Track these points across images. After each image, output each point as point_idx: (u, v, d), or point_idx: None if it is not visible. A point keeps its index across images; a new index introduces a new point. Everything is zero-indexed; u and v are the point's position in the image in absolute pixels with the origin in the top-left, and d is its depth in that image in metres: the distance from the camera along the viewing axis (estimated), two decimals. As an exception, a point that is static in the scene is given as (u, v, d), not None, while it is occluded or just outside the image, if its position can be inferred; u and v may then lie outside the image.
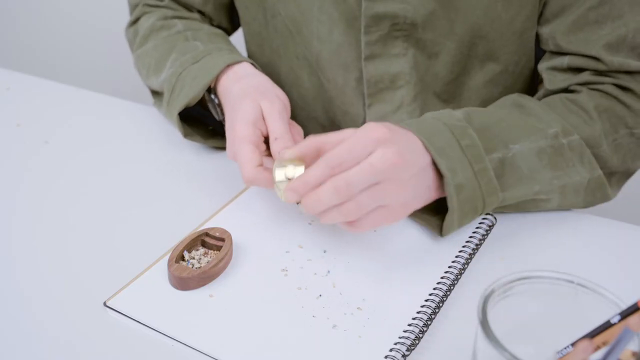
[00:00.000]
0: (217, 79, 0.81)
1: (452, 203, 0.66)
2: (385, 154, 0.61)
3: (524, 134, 0.71)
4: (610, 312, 0.50)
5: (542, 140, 0.71)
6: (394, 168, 0.61)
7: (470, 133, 0.68)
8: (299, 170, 0.65)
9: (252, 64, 0.83)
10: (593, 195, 0.74)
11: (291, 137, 0.73)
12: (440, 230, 0.69)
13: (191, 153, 0.86)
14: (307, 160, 0.66)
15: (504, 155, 0.69)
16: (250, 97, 0.75)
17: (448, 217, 0.67)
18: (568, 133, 0.72)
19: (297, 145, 0.67)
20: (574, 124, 0.73)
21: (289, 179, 0.65)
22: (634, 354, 0.47)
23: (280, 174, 0.66)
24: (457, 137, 0.67)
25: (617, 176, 0.77)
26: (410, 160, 0.64)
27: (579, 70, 0.78)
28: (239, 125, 0.72)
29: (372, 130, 0.62)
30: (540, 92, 0.81)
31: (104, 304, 0.64)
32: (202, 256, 0.68)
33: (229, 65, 0.81)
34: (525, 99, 0.78)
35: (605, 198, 0.76)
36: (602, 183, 0.74)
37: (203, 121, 0.88)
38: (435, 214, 0.71)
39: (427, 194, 0.67)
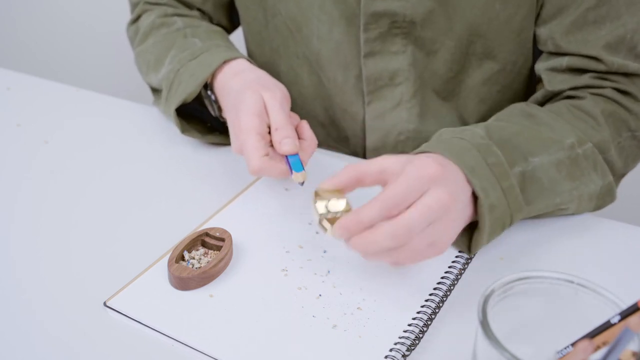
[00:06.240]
0: (213, 75, 0.81)
1: (483, 223, 0.64)
2: (439, 194, 0.59)
3: (542, 147, 0.70)
4: (610, 312, 0.50)
5: (560, 152, 0.70)
6: (447, 209, 0.59)
7: (495, 150, 0.66)
8: (341, 203, 0.62)
9: (247, 59, 0.83)
10: (603, 200, 0.74)
11: (292, 127, 0.73)
12: (466, 247, 0.68)
13: (191, 153, 0.86)
14: (346, 191, 0.63)
15: (524, 169, 0.67)
16: (252, 89, 0.75)
17: (478, 236, 0.65)
18: (582, 142, 0.72)
19: (335, 176, 0.63)
20: (583, 130, 0.73)
21: (329, 211, 0.62)
22: (634, 354, 0.47)
23: (321, 207, 0.62)
24: (484, 156, 0.65)
25: (618, 178, 0.78)
26: (458, 197, 0.62)
27: (578, 71, 0.78)
28: (243, 118, 0.72)
29: (426, 168, 0.60)
30: (540, 93, 0.81)
31: (104, 304, 0.64)
32: (202, 256, 0.68)
33: (225, 62, 0.81)
34: (533, 108, 0.76)
35: (612, 200, 0.76)
36: (612, 187, 0.74)
37: (201, 118, 0.88)
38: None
39: (466, 220, 0.65)
